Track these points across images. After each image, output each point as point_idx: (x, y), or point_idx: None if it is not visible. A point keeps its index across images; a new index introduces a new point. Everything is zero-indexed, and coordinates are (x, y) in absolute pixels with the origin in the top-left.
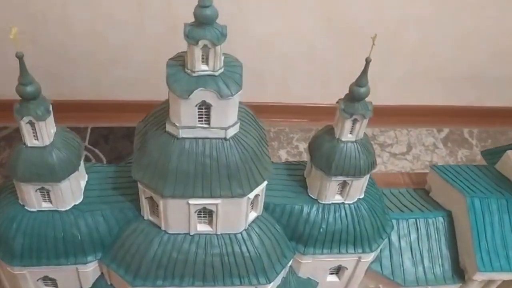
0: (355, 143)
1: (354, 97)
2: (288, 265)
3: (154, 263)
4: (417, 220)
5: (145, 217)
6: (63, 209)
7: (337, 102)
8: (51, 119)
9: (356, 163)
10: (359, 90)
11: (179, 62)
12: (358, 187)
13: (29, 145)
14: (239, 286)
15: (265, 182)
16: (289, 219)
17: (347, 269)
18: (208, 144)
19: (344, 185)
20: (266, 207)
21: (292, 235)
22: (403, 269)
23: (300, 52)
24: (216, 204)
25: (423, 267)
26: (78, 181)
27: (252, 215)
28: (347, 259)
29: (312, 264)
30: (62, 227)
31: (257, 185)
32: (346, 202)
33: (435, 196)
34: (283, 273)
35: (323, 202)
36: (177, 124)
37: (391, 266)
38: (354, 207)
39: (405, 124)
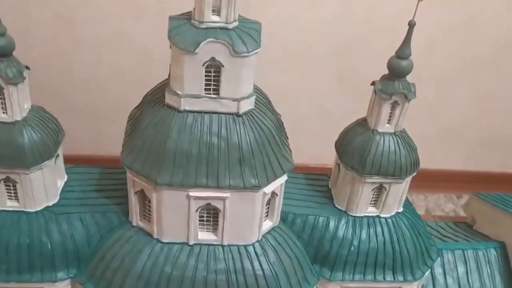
0: (393, 136)
1: (395, 72)
2: None
3: (141, 280)
4: (465, 252)
5: (134, 223)
6: (32, 210)
7: (372, 84)
8: (25, 88)
9: (396, 159)
10: (401, 64)
11: (184, 16)
12: (397, 196)
13: None
14: None
15: (285, 177)
16: (312, 234)
17: None
18: (216, 120)
19: (379, 191)
20: (284, 218)
21: (315, 255)
22: None
23: (310, 110)
24: (224, 199)
25: None
26: (53, 176)
27: (267, 224)
28: None
29: None
30: (29, 232)
31: (275, 177)
32: (382, 215)
33: (481, 228)
34: None
35: (354, 214)
36: (179, 92)
37: None
38: (392, 221)
39: (422, 189)
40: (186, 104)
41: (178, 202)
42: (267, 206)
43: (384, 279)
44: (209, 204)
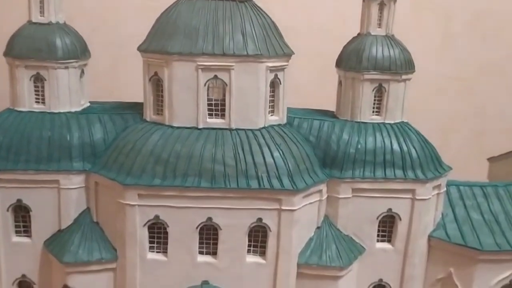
0: (385, 37)
1: None
2: (321, 188)
3: (152, 157)
4: (484, 188)
5: (148, 118)
6: (55, 111)
7: None
8: None
9: (390, 54)
10: None
11: None
12: (398, 99)
13: (33, 20)
14: (258, 190)
15: (287, 62)
16: (319, 136)
17: (400, 220)
18: (222, 5)
19: (380, 94)
20: (290, 122)
21: (324, 159)
22: (476, 234)
23: None
24: (229, 70)
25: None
26: (77, 85)
27: (273, 118)
28: (398, 197)
29: (353, 206)
30: (51, 125)
31: (277, 55)
32: (386, 121)
33: None
34: (317, 205)
35: (358, 120)
36: None
37: (460, 231)
38: (398, 127)
39: None
40: None
41: (188, 75)
42: (271, 95)
43: (395, 175)
44: (216, 76)
